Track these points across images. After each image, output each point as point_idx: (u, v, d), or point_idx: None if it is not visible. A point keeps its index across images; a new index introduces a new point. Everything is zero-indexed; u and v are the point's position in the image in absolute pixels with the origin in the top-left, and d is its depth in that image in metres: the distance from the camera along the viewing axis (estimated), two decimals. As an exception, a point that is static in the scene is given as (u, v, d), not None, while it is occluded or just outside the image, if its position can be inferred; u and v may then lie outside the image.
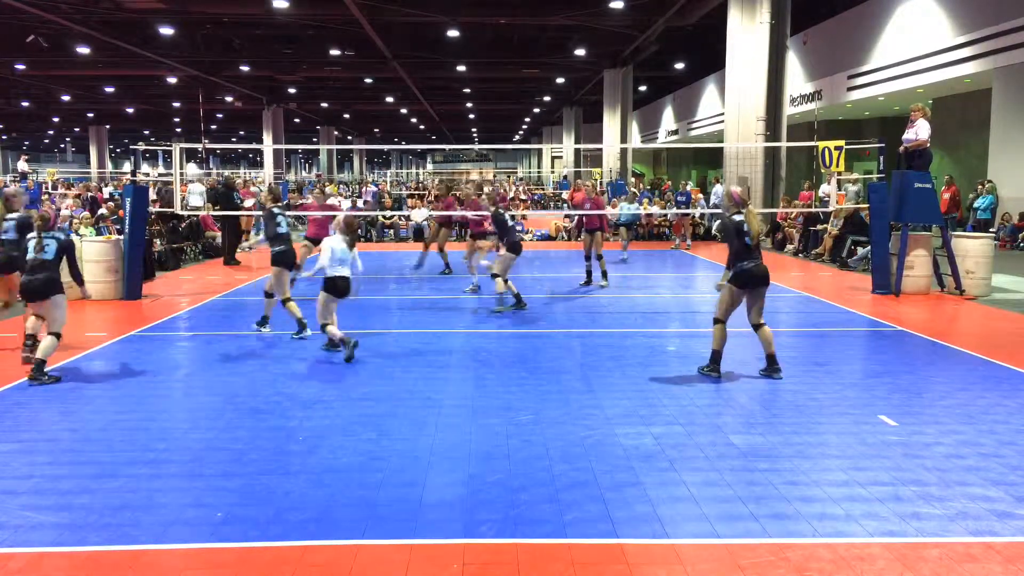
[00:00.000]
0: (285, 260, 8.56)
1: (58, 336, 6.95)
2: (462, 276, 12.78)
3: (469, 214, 12.14)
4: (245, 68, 31.34)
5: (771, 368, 6.84)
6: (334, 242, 7.70)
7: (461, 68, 30.95)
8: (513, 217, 10.91)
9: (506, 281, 10.00)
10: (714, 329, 6.88)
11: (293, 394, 6.42)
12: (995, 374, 6.96)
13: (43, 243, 6.98)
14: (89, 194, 22.59)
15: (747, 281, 6.65)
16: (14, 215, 8.15)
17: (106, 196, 21.46)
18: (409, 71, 31.35)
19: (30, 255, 6.95)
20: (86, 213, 16.35)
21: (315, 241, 11.25)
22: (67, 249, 7.22)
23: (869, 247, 12.78)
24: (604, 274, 12.27)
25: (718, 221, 7.35)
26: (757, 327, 6.83)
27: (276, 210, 8.80)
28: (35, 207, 17.26)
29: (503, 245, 9.93)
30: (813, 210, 17.62)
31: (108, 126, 52.62)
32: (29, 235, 7.12)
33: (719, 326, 6.84)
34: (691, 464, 4.83)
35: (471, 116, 54.46)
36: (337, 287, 7.64)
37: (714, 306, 7.00)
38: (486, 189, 13.27)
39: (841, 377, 6.93)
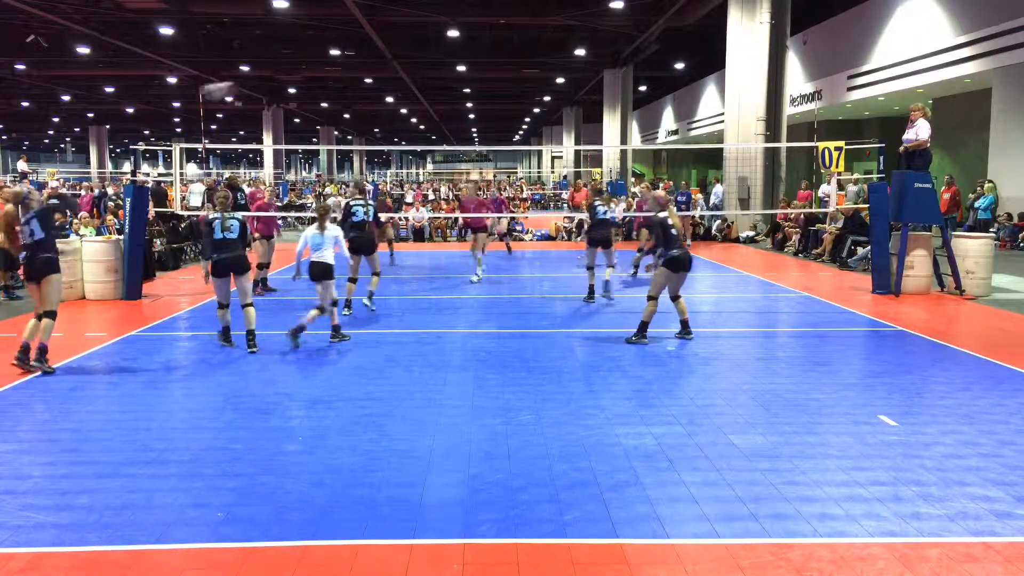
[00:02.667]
0: (357, 246, 9.70)
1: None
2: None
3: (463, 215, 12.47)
4: (245, 68, 31.33)
5: (684, 331, 8.40)
6: (308, 231, 8.32)
7: (461, 68, 30.95)
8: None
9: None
10: (648, 305, 8.15)
11: (293, 394, 6.43)
12: (995, 374, 6.96)
13: (228, 223, 7.92)
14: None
15: (678, 266, 8.04)
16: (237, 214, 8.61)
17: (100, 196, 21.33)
18: (409, 71, 31.35)
19: (218, 235, 7.87)
20: (86, 213, 16.36)
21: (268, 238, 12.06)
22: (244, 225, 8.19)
23: (869, 247, 12.78)
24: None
25: (652, 217, 8.56)
26: (676, 298, 8.34)
27: (352, 202, 10.02)
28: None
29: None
30: (814, 210, 17.62)
31: (108, 126, 52.63)
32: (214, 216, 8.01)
33: (653, 303, 8.15)
34: (691, 464, 4.83)
35: (471, 116, 54.45)
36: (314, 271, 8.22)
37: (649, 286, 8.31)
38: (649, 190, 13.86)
39: (841, 377, 6.93)
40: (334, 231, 8.33)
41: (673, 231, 8.08)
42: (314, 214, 8.50)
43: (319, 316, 8.14)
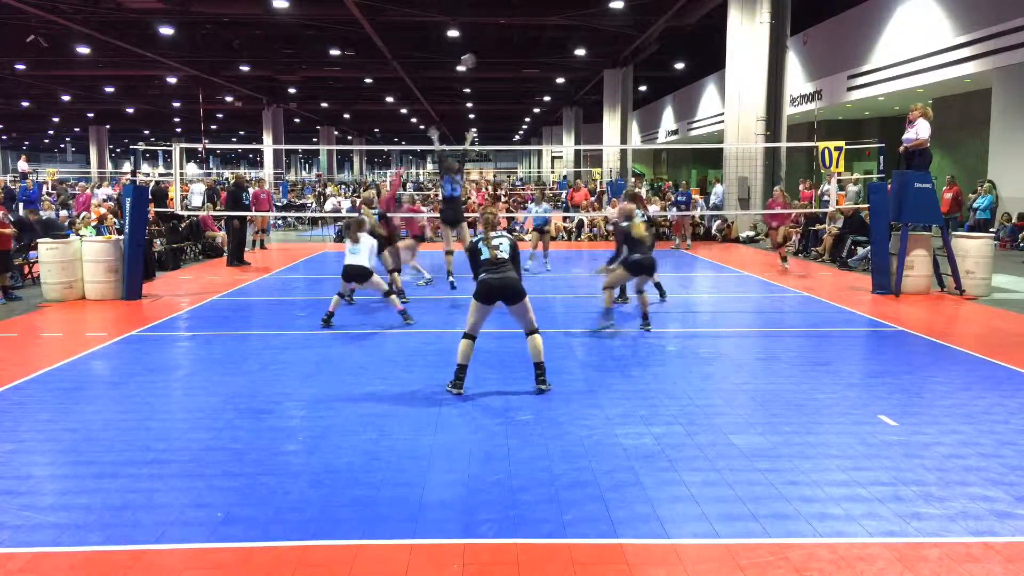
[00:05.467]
0: (446, 218, 11.45)
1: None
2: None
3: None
4: (245, 68, 31.32)
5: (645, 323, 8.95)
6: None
7: (461, 68, 30.92)
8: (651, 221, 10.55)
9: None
10: (607, 295, 9.09)
11: (293, 394, 6.43)
12: (995, 374, 6.96)
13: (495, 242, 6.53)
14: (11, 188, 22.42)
15: (638, 269, 8.82)
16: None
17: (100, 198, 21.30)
18: (409, 71, 31.35)
19: (485, 255, 6.46)
20: (88, 213, 16.35)
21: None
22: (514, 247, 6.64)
23: (869, 247, 12.78)
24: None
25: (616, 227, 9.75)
26: (639, 292, 9.23)
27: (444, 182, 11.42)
28: (35, 207, 17.32)
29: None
30: (813, 210, 17.62)
31: (108, 126, 52.62)
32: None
33: (609, 291, 9.08)
34: (691, 464, 4.83)
35: (471, 116, 54.45)
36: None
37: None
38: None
39: (841, 377, 6.93)
40: (368, 241, 9.27)
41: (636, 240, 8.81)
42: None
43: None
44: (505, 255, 6.43)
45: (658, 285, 10.93)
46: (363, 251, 9.14)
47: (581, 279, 13.99)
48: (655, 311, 10.48)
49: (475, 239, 6.65)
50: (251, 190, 18.16)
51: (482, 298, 6.34)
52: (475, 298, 6.38)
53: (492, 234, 6.58)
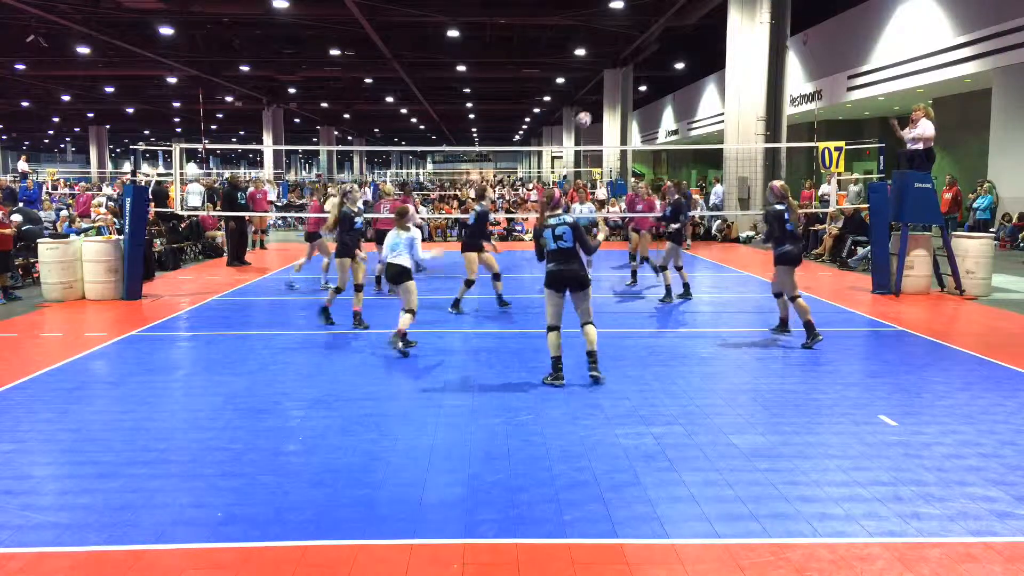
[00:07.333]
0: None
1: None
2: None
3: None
4: (245, 68, 31.33)
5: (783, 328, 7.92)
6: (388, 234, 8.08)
7: (461, 68, 30.95)
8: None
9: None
10: (797, 304, 8.10)
11: (293, 394, 6.43)
12: (995, 374, 6.96)
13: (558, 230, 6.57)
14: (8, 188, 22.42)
15: (792, 260, 8.04)
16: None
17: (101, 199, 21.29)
18: (409, 71, 31.35)
19: (551, 246, 6.60)
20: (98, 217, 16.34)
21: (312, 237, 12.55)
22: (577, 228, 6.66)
23: (869, 247, 12.78)
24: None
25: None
26: (792, 299, 8.17)
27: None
28: (36, 207, 17.31)
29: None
30: (813, 210, 17.62)
31: (108, 126, 52.61)
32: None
33: (799, 301, 8.13)
34: (691, 464, 4.83)
35: (471, 116, 54.45)
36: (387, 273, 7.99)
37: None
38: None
39: (841, 377, 6.93)
40: (412, 233, 7.86)
41: (789, 225, 8.02)
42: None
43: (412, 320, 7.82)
44: (570, 244, 6.56)
45: (686, 285, 11.16)
46: (405, 248, 7.79)
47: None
48: (659, 310, 10.48)
49: (538, 226, 6.77)
50: (248, 189, 18.14)
51: (552, 286, 6.62)
52: (546, 286, 6.66)
53: (552, 221, 6.57)
